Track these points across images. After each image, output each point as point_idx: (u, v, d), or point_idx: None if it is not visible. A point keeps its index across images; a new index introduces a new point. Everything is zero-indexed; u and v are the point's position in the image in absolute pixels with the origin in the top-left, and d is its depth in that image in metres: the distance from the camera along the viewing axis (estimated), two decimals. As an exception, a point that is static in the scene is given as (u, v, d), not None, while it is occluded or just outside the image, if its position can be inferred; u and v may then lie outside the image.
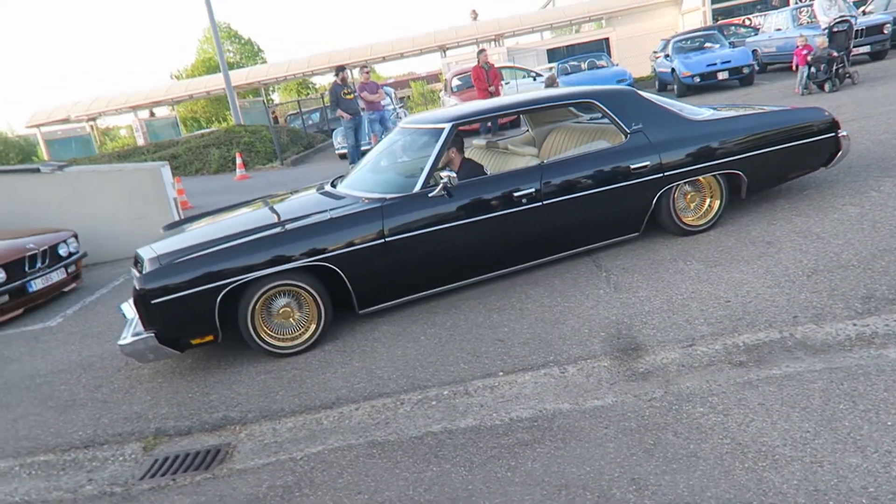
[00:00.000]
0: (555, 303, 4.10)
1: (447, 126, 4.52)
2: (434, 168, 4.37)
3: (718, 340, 3.28)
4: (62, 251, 6.61)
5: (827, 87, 11.00)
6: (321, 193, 4.98)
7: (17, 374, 4.56)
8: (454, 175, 4.24)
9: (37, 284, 6.15)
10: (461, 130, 4.73)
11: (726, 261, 4.27)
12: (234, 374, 3.92)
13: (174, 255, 3.94)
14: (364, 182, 4.87)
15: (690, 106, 5.22)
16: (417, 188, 4.30)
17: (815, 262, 3.96)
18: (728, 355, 3.16)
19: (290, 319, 4.06)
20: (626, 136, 4.68)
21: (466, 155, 5.09)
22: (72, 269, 6.67)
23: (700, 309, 3.65)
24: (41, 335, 5.42)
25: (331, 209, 4.29)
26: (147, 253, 4.09)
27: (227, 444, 3.23)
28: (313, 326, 4.08)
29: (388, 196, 4.31)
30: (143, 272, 3.86)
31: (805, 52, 11.56)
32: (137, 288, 3.79)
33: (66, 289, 6.61)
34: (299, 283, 4.00)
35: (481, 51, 13.80)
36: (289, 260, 3.95)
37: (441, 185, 4.22)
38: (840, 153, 5.10)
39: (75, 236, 6.90)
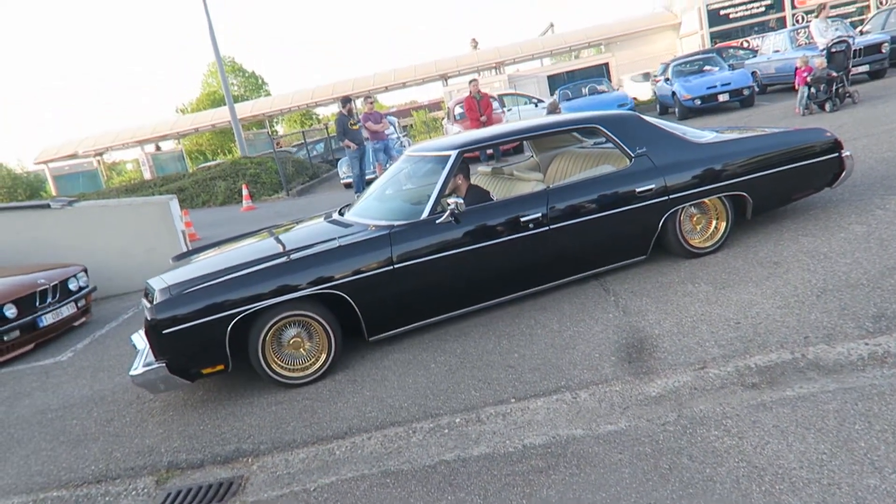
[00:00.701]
0: (564, 328, 4.11)
1: (453, 153, 4.58)
2: (441, 195, 4.41)
3: (730, 362, 3.27)
4: (72, 286, 6.66)
5: (828, 106, 11.07)
6: (329, 222, 5.02)
7: (29, 410, 4.57)
8: (461, 201, 4.28)
9: (47, 319, 6.19)
10: (465, 157, 4.78)
11: (735, 282, 4.28)
12: (245, 406, 3.92)
13: (184, 285, 3.96)
14: (371, 210, 4.91)
15: (693, 129, 5.27)
16: (425, 215, 4.34)
17: (824, 282, 3.96)
18: (740, 377, 3.15)
19: (301, 350, 4.07)
20: (630, 160, 4.72)
21: (472, 181, 5.13)
22: (82, 303, 6.71)
23: (710, 331, 3.65)
24: (52, 370, 5.44)
25: (339, 237, 4.33)
26: (158, 283, 4.12)
27: (239, 476, 3.22)
28: (324, 356, 4.09)
29: (396, 223, 4.34)
30: (154, 302, 3.89)
31: (805, 73, 11.68)
32: (149, 318, 3.81)
33: (76, 323, 6.65)
34: (309, 313, 4.01)
35: (472, 81, 13.96)
36: (299, 288, 3.97)
37: (448, 212, 4.26)
38: (844, 173, 5.12)
39: (85, 271, 6.95)
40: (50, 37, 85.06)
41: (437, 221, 4.28)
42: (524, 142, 10.41)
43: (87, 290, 6.85)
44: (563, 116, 5.93)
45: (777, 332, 3.46)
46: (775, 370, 3.15)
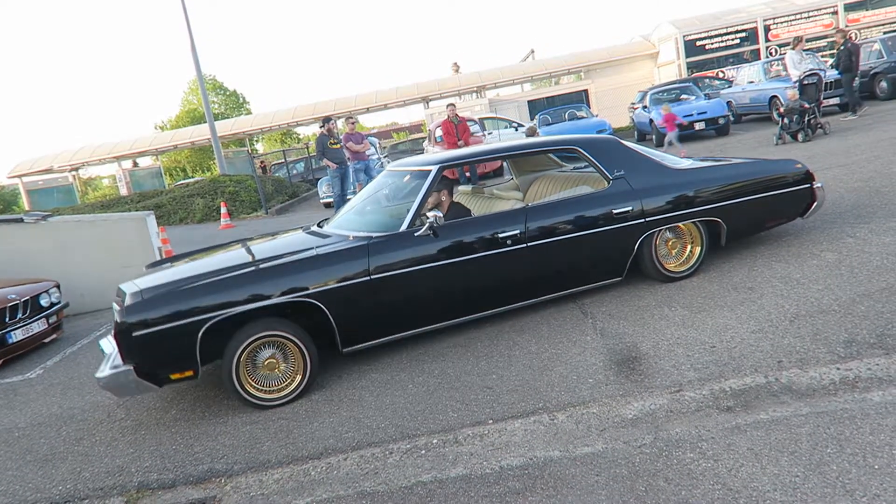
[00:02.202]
0: (542, 349, 4.12)
1: (434, 168, 4.61)
2: (421, 208, 4.42)
3: (705, 386, 3.31)
4: (44, 301, 6.54)
5: (800, 137, 11.34)
6: (307, 233, 5.01)
7: (-5, 428, 4.46)
8: (441, 215, 4.29)
9: (17, 335, 6.05)
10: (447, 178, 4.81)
11: (710, 307, 4.33)
12: (219, 425, 3.86)
13: (156, 289, 3.91)
14: (351, 222, 4.91)
15: (671, 156, 5.36)
16: (404, 227, 4.34)
17: (797, 308, 4.03)
18: (715, 400, 3.18)
19: (276, 371, 4.02)
20: (608, 183, 4.78)
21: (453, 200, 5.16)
22: (53, 319, 6.58)
23: (686, 354, 3.69)
24: (20, 387, 5.32)
25: (316, 246, 4.33)
26: (130, 287, 4.05)
27: (212, 496, 3.16)
28: (299, 377, 4.04)
29: (375, 234, 4.34)
30: (125, 304, 3.83)
31: (664, 122, 12.35)
32: (118, 320, 3.76)
33: (47, 340, 6.51)
34: (285, 333, 3.97)
35: (449, 105, 14.14)
36: (273, 295, 3.94)
37: (427, 225, 4.27)
38: (816, 204, 5.23)
39: (57, 286, 6.84)
40: (27, 48, 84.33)
41: (416, 234, 4.29)
42: (505, 165, 10.48)
43: (59, 306, 6.73)
44: (544, 138, 6.02)
45: (751, 356, 3.51)
46: (749, 394, 3.19)
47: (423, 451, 3.20)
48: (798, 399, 3.09)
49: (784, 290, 4.35)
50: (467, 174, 13.15)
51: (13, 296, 6.16)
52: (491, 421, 3.35)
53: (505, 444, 3.15)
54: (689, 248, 5.04)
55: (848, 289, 4.16)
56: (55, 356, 6.09)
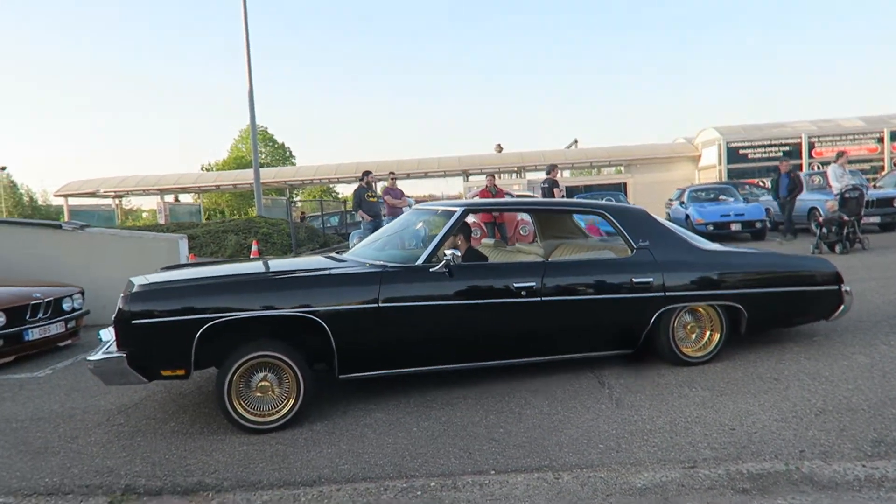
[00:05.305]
0: (554, 411, 4.00)
1: (459, 209, 4.64)
2: (440, 245, 4.39)
3: (721, 465, 3.15)
4: (66, 306, 6.59)
5: (837, 248, 11.20)
6: (325, 257, 5.06)
7: (-6, 417, 4.42)
8: (459, 254, 4.25)
9: (34, 334, 6.09)
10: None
11: (732, 392, 4.18)
12: (215, 442, 3.78)
13: (164, 283, 3.96)
14: (369, 252, 4.93)
15: (699, 237, 5.30)
16: (420, 261, 4.31)
17: (824, 403, 3.87)
18: (731, 481, 3.02)
19: (269, 394, 3.93)
20: (631, 251, 4.73)
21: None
22: (71, 324, 6.62)
23: (704, 433, 3.54)
24: (27, 383, 5.31)
25: (331, 267, 4.34)
26: (139, 280, 4.10)
27: (197, 509, 3.06)
28: (291, 402, 3.94)
29: (390, 264, 4.33)
30: (131, 292, 3.85)
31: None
32: (121, 307, 3.77)
33: (62, 343, 6.53)
34: (279, 356, 3.90)
35: (489, 175, 14.43)
36: (278, 307, 3.92)
37: (444, 262, 4.22)
38: (842, 307, 5.08)
39: (81, 293, 6.91)
40: (87, 79, 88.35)
41: (431, 270, 4.24)
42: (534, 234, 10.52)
43: (79, 312, 6.78)
44: (573, 200, 6.04)
45: (772, 443, 3.35)
46: (768, 479, 3.02)
47: (420, 493, 3.08)
48: (819, 490, 2.92)
49: (812, 385, 4.19)
50: (497, 237, 13.20)
51: (37, 294, 6.24)
52: (493, 472, 3.22)
53: (505, 495, 3.02)
54: (707, 333, 4.88)
55: (879, 391, 3.99)
56: (67, 360, 6.10)
